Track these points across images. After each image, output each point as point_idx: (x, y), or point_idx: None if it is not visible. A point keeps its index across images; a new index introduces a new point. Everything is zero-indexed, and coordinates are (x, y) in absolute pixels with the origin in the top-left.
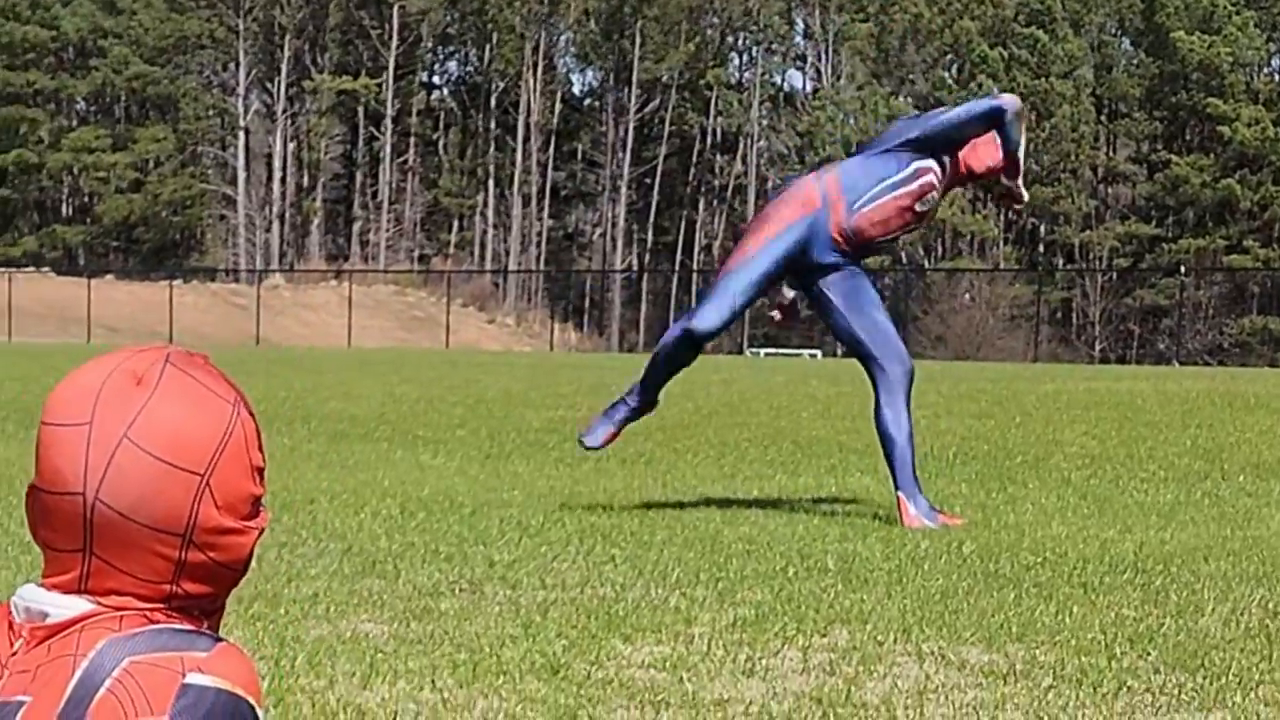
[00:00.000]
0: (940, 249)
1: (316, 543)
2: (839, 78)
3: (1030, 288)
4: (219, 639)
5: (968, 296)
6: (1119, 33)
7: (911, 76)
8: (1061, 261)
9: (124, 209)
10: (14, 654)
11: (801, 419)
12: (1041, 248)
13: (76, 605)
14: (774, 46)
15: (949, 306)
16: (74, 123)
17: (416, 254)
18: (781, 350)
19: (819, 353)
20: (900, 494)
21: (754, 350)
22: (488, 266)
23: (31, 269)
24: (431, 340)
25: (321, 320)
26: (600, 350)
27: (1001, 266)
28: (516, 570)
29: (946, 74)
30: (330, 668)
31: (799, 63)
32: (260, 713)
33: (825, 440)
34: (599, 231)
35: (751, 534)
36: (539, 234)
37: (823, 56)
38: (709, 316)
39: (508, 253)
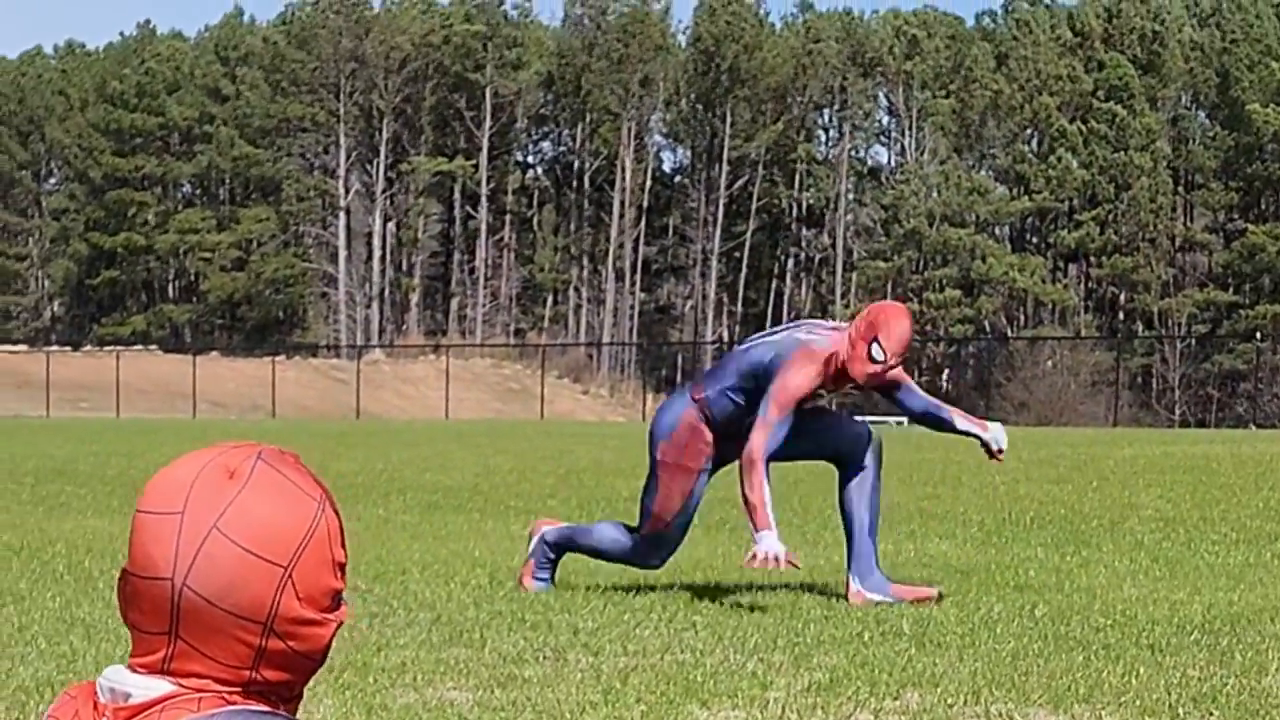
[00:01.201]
0: (1022, 318)
1: (406, 612)
2: (922, 152)
3: (1110, 354)
4: None
5: (1050, 363)
6: (1194, 106)
7: (993, 150)
8: (1141, 328)
9: (228, 287)
10: None
11: (886, 485)
12: (1121, 315)
13: (158, 687)
14: (859, 123)
15: (1031, 374)
16: (180, 205)
17: (512, 328)
18: (868, 418)
19: (905, 420)
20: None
21: None
22: (582, 339)
23: (139, 347)
24: (527, 412)
25: (420, 393)
26: None
27: (1082, 334)
28: (599, 637)
29: (1026, 148)
30: None
31: (883, 138)
32: None
33: (905, 506)
34: (690, 304)
35: (829, 600)
36: (631, 307)
37: (906, 132)
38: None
39: (601, 325)
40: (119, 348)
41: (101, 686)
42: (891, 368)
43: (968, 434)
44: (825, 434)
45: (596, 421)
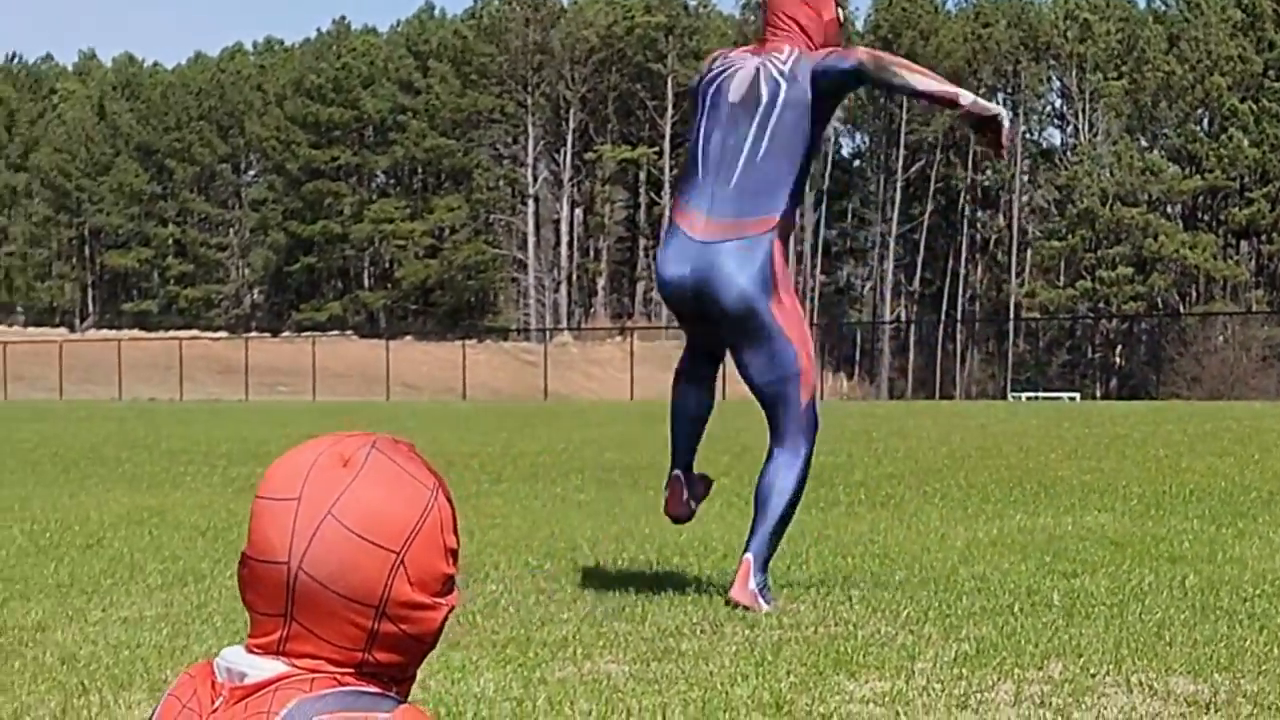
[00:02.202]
0: (1194, 294)
1: (573, 588)
2: (1095, 133)
3: None
4: (402, 701)
5: (1221, 339)
6: None
7: (1165, 130)
8: None
9: (421, 274)
10: (214, 710)
11: (1049, 460)
12: None
13: (273, 667)
14: (1032, 105)
15: (1203, 349)
16: (375, 195)
17: None
18: (1042, 395)
19: (1078, 395)
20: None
21: (1016, 394)
22: None
23: (335, 332)
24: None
25: (607, 375)
26: (870, 398)
27: (1254, 309)
28: (756, 611)
29: (1198, 127)
30: (568, 707)
31: (1056, 120)
32: None
33: (1068, 480)
34: (869, 285)
35: (984, 572)
36: (812, 288)
37: (1079, 114)
38: None
39: None
40: (316, 333)
41: (219, 666)
42: None
43: (941, 101)
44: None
45: None
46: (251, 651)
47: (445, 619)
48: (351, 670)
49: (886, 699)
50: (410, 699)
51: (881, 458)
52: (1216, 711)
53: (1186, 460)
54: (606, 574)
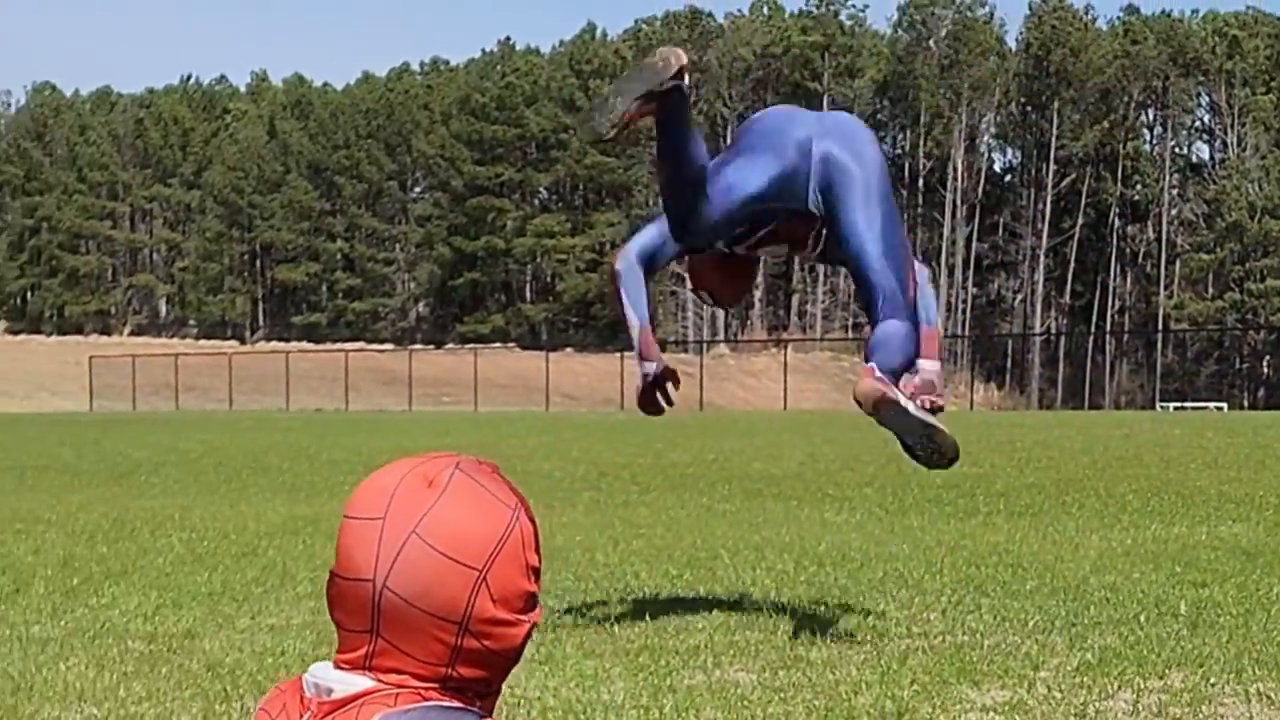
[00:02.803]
0: None
1: (710, 596)
2: (1244, 148)
3: None
4: (485, 716)
5: None
6: None
7: None
8: None
9: (582, 288)
10: None
11: (1189, 470)
12: None
13: (359, 683)
14: (1181, 120)
15: None
16: (537, 211)
17: (850, 322)
18: (1190, 405)
19: (1225, 405)
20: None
21: (1164, 405)
22: None
23: (498, 344)
24: None
25: (762, 385)
26: (1020, 408)
27: None
28: (886, 620)
29: None
30: (694, 715)
31: (1205, 135)
32: None
33: (1206, 490)
34: (1019, 297)
35: (1114, 581)
36: (964, 301)
37: (1228, 128)
38: None
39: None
40: (478, 345)
41: (307, 682)
42: None
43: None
44: None
45: None
46: (339, 667)
47: (528, 635)
48: (436, 685)
49: (1006, 708)
50: (523, 709)
51: (1024, 467)
52: None
53: None
54: (743, 583)
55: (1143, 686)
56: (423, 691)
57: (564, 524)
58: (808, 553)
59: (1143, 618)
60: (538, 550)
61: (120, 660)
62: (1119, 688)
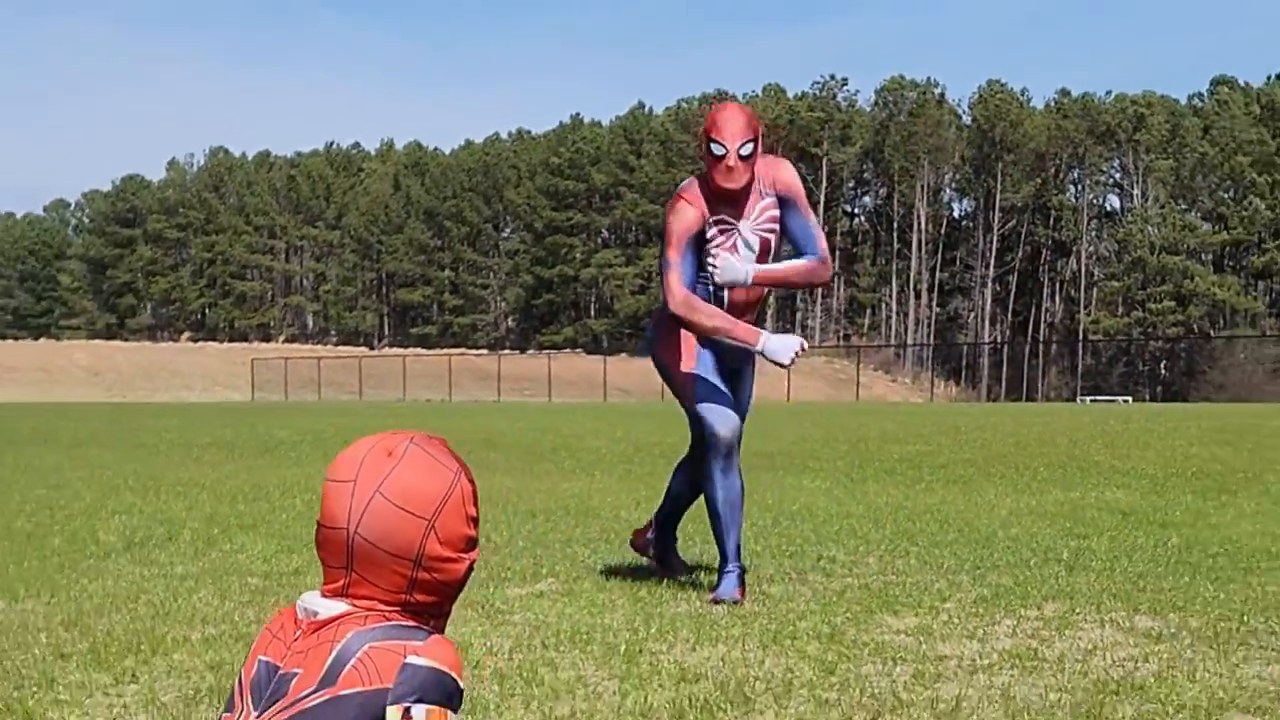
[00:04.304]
0: (1221, 321)
1: (704, 545)
2: (1146, 200)
3: None
4: (432, 633)
5: (1241, 356)
6: None
7: (1200, 197)
8: None
9: (633, 306)
10: (295, 639)
11: (1090, 448)
12: None
13: (338, 607)
14: (1098, 178)
15: (1228, 363)
16: (599, 246)
17: (840, 333)
18: (1103, 398)
19: (1130, 399)
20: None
21: (1083, 398)
22: (891, 341)
23: (567, 350)
24: (850, 395)
25: (770, 383)
26: (971, 401)
27: (1267, 334)
28: (834, 563)
29: (1226, 194)
30: (673, 635)
31: (1116, 189)
32: (461, 684)
33: (1100, 464)
34: (972, 314)
35: (1017, 534)
36: (929, 317)
37: (1135, 184)
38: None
39: (906, 330)
40: (553, 350)
41: (300, 607)
42: (743, 158)
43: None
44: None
45: (901, 401)
46: (324, 596)
47: (469, 569)
48: (398, 609)
49: (915, 631)
50: (542, 632)
51: (963, 446)
52: (1163, 642)
53: (1195, 448)
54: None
55: (1023, 615)
56: (387, 614)
57: (600, 489)
58: (784, 510)
59: (1032, 562)
60: (476, 503)
61: (239, 592)
62: (1004, 616)
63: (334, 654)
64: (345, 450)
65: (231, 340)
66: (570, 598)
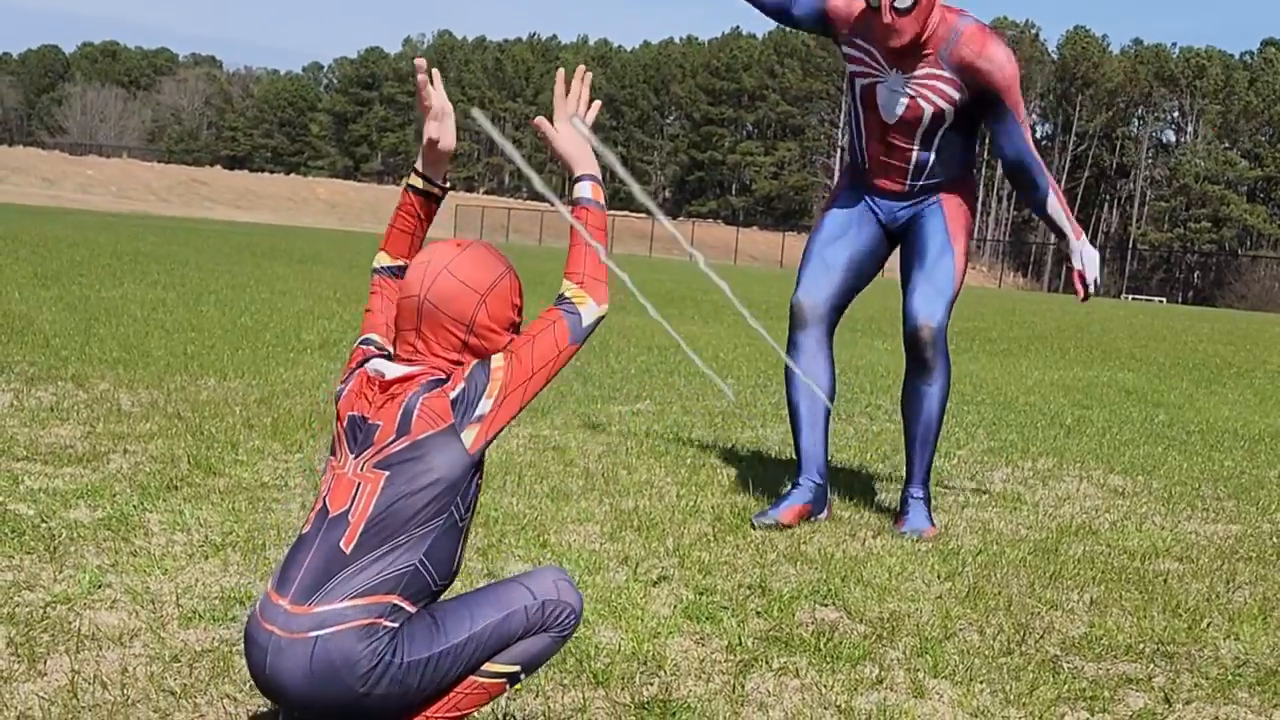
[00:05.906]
0: (1250, 242)
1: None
2: (1197, 137)
3: None
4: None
5: (1263, 272)
6: None
7: (1241, 139)
8: None
9: (767, 188)
10: (372, 393)
11: (1117, 337)
12: None
13: (399, 370)
14: (1160, 115)
15: (1251, 277)
16: (743, 138)
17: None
18: (1143, 297)
19: (1164, 299)
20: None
21: (1126, 295)
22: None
23: (711, 220)
24: None
25: None
26: (1036, 291)
27: None
28: (879, 410)
29: (1262, 136)
30: (734, 455)
31: (1173, 126)
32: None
33: (1120, 350)
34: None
35: (1034, 401)
36: (1006, 219)
37: (1189, 123)
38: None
39: (987, 227)
40: (698, 219)
41: (370, 368)
42: (899, 11)
43: (1055, 229)
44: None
45: (975, 286)
46: (396, 359)
47: (507, 343)
48: (452, 364)
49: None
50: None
51: (1014, 326)
52: (1126, 498)
53: (1203, 344)
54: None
55: (1018, 465)
56: (434, 373)
57: (709, 333)
58: (850, 364)
59: (1039, 424)
60: (520, 296)
61: None
62: (1003, 465)
63: (402, 409)
64: (431, 244)
65: None
66: (659, 417)
